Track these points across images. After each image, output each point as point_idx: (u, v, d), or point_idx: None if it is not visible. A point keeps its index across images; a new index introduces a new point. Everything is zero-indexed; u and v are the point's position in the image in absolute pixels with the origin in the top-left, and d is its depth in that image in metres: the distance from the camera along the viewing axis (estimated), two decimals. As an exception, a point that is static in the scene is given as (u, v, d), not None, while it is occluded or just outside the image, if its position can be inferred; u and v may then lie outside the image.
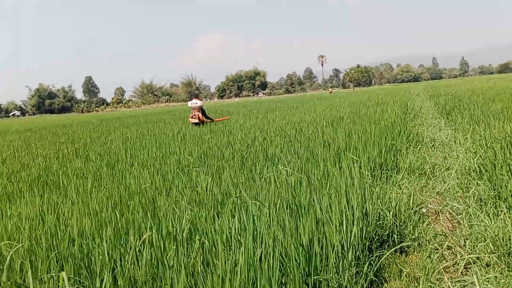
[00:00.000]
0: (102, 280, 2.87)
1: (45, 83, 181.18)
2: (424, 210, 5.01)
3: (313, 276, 2.87)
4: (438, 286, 3.33)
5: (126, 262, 2.89)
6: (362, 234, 3.53)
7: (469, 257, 3.57)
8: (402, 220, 4.30)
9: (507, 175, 5.03)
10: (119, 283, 2.80)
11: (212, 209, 3.87)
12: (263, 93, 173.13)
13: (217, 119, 18.60)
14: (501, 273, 3.40)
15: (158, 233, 3.13)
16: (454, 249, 3.85)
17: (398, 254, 3.96)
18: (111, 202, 4.73)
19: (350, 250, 3.09)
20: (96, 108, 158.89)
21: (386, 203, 4.46)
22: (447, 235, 4.14)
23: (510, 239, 3.67)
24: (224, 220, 3.34)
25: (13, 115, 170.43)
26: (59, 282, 2.86)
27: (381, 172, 6.01)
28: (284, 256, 2.77)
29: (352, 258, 3.14)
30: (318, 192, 4.13)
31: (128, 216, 4.02)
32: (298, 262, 2.76)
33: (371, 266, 3.38)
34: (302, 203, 3.64)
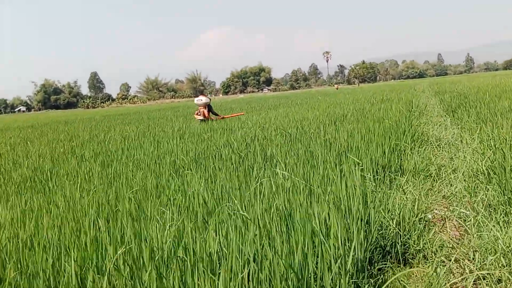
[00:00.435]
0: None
1: (50, 78, 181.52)
2: (429, 216, 4.73)
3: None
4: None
5: None
6: (363, 247, 3.26)
7: (479, 273, 3.28)
8: (406, 229, 4.01)
9: (519, 179, 4.75)
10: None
11: (200, 219, 3.59)
12: (268, 89, 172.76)
13: (228, 116, 18.30)
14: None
15: (135, 249, 2.86)
16: (462, 262, 3.57)
17: (401, 266, 3.68)
18: (94, 209, 4.47)
19: (349, 268, 2.81)
20: (102, 104, 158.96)
21: (389, 210, 4.17)
22: (454, 246, 3.85)
23: (523, 253, 3.39)
24: (210, 233, 3.07)
25: (19, 110, 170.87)
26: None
27: (384, 175, 5.72)
28: (272, 276, 2.50)
29: (350, 276, 2.86)
30: (316, 199, 3.85)
31: (111, 225, 3.76)
32: (288, 284, 2.49)
33: (370, 282, 3.11)
34: (298, 213, 3.36)
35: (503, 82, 26.11)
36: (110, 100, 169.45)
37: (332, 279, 2.70)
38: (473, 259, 3.59)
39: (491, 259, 3.46)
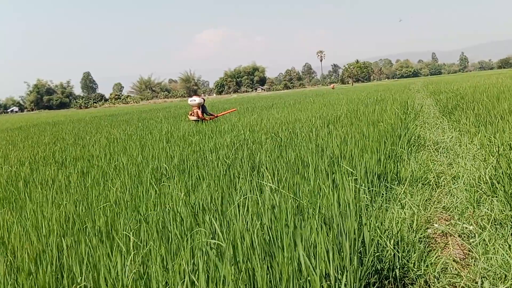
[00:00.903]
0: None
1: (43, 79, 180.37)
2: (429, 231, 4.33)
3: None
4: None
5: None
6: (357, 276, 2.85)
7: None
8: (405, 250, 3.60)
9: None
10: None
11: (174, 243, 3.16)
12: (262, 89, 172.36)
13: (221, 114, 18.07)
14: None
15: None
16: (469, 290, 3.17)
17: (400, 293, 3.28)
18: (58, 226, 4.03)
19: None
20: (94, 104, 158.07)
21: (386, 229, 3.76)
22: (459, 270, 3.44)
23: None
24: (181, 264, 2.64)
25: (12, 111, 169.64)
26: None
27: (380, 185, 5.31)
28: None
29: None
30: (305, 218, 3.44)
31: (72, 249, 3.33)
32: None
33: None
34: (281, 238, 2.94)
35: (500, 81, 25.80)
36: (103, 100, 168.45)
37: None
38: (482, 287, 3.18)
39: (503, 288, 3.06)
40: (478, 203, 4.91)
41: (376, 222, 3.73)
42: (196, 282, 2.58)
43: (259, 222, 3.28)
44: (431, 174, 6.19)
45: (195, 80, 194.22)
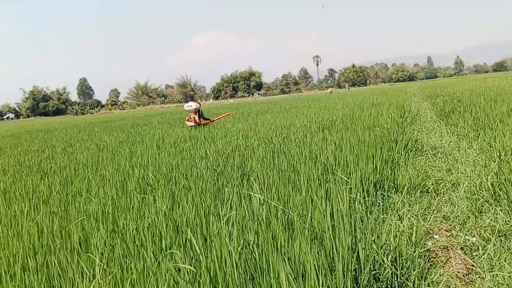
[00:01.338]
0: None
1: (39, 85, 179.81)
2: (429, 243, 4.05)
3: None
4: None
5: None
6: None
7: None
8: (404, 267, 3.32)
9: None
10: None
11: (147, 266, 2.87)
12: (258, 94, 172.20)
13: (216, 118, 17.92)
14: None
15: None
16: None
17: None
18: (28, 244, 3.73)
19: None
20: (91, 110, 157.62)
21: (383, 244, 3.47)
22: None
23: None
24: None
25: (7, 118, 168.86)
26: None
27: (376, 193, 5.02)
28: None
29: None
30: (294, 234, 3.15)
31: (39, 272, 3.03)
32: None
33: None
34: (267, 260, 2.65)
35: (496, 84, 25.59)
36: (100, 106, 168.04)
37: None
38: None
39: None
40: (480, 212, 4.64)
41: (372, 236, 3.45)
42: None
43: (244, 239, 2.99)
44: (429, 180, 5.92)
45: (192, 86, 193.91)
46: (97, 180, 6.77)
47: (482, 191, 5.09)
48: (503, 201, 4.44)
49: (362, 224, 3.74)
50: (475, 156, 6.94)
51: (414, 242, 3.78)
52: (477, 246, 3.86)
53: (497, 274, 3.22)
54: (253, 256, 2.73)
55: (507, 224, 4.06)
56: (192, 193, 4.88)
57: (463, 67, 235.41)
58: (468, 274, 3.43)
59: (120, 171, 7.28)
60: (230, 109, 35.59)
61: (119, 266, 2.87)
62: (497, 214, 4.32)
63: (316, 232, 3.25)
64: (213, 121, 17.18)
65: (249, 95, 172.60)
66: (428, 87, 42.99)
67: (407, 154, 7.37)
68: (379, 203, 4.79)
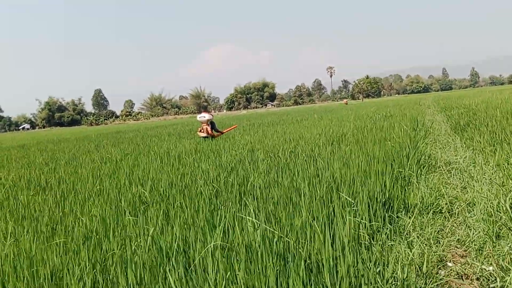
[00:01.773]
0: None
1: (55, 96, 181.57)
2: (442, 272, 3.67)
3: None
4: None
5: None
6: None
7: None
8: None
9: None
10: None
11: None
12: (272, 105, 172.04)
13: (225, 131, 17.75)
14: None
15: None
16: None
17: None
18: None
19: None
20: (105, 121, 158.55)
21: (390, 275, 3.10)
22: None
23: None
24: None
25: (23, 128, 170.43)
26: None
27: (385, 215, 4.65)
28: None
29: None
30: (288, 267, 2.80)
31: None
32: None
33: None
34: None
35: (513, 97, 25.01)
36: (114, 117, 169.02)
37: None
38: None
39: None
40: (498, 236, 4.25)
41: (377, 267, 3.08)
42: None
43: (231, 271, 2.65)
44: (443, 200, 5.54)
45: (205, 97, 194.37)
46: (93, 196, 6.48)
47: (500, 213, 4.70)
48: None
49: (367, 253, 3.38)
50: (492, 173, 6.54)
51: (425, 273, 3.41)
52: (495, 277, 3.48)
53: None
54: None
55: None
56: (186, 214, 4.55)
57: (478, 79, 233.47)
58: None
59: (118, 186, 6.98)
60: (243, 120, 35.37)
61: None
62: (517, 241, 3.93)
63: (314, 264, 2.90)
64: (223, 133, 17.01)
65: (262, 106, 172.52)
66: (443, 98, 42.39)
67: (419, 170, 6.99)
68: (388, 227, 4.42)
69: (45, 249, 3.83)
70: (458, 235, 4.54)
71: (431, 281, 3.29)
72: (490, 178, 6.27)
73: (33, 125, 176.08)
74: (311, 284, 2.51)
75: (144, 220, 4.62)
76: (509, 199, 4.72)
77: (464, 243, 4.37)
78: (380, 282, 2.87)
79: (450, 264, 3.86)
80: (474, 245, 4.21)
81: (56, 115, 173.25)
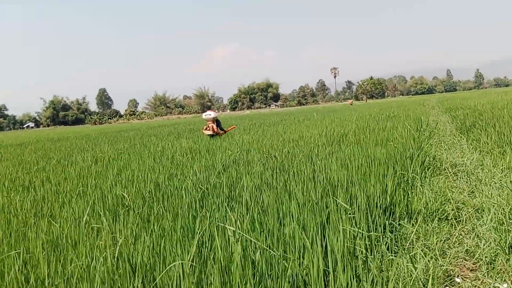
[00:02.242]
0: None
1: (59, 95, 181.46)
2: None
3: None
4: None
5: None
6: None
7: None
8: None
9: None
10: None
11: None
12: (275, 105, 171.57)
13: (228, 130, 17.53)
14: None
15: None
16: None
17: None
18: None
19: None
20: (109, 120, 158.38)
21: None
22: None
23: None
24: None
25: (28, 126, 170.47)
26: None
27: (385, 224, 4.20)
28: None
29: None
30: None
31: None
32: None
33: None
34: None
35: (519, 97, 24.52)
36: (118, 116, 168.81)
37: None
38: None
39: None
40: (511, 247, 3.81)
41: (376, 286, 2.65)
42: None
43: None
44: (449, 205, 5.10)
45: (209, 97, 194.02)
46: (75, 197, 6.07)
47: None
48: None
49: (364, 267, 2.95)
50: (502, 177, 6.09)
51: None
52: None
53: None
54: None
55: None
56: (166, 220, 4.12)
57: (483, 81, 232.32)
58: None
59: (102, 188, 6.57)
60: (245, 120, 34.99)
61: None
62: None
63: (301, 283, 2.47)
64: (225, 132, 16.78)
65: (266, 106, 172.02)
66: (447, 99, 41.88)
67: (423, 172, 6.54)
68: (389, 237, 3.98)
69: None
70: (467, 245, 4.11)
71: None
72: (500, 182, 5.82)
73: (37, 124, 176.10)
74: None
75: (120, 225, 4.20)
76: (523, 206, 4.28)
77: (473, 254, 3.94)
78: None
79: (458, 280, 3.43)
80: (485, 257, 3.77)
81: (61, 114, 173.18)
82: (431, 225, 4.51)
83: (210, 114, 15.76)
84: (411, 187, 5.63)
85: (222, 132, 16.32)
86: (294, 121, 24.49)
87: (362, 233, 3.46)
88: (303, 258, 2.89)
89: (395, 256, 3.57)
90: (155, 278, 2.69)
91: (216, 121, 15.91)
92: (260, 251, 2.89)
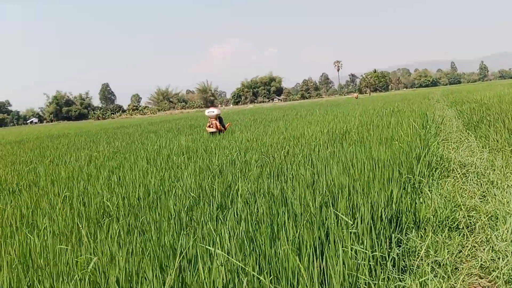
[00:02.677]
0: None
1: (62, 90, 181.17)
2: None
3: None
4: None
5: None
6: None
7: None
8: None
9: None
10: None
11: None
12: (278, 99, 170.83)
13: (226, 127, 17.29)
14: None
15: None
16: None
17: None
18: None
19: None
20: (112, 115, 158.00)
21: None
22: None
23: None
24: None
25: (31, 122, 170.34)
26: None
27: (391, 237, 3.81)
28: None
29: None
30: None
31: None
32: None
33: None
34: None
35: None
36: (121, 111, 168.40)
37: None
38: None
39: None
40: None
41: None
42: None
43: None
44: (460, 211, 4.70)
45: (212, 91, 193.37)
46: (59, 203, 5.70)
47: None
48: None
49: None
50: (517, 179, 5.69)
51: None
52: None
53: None
54: None
55: None
56: (148, 235, 3.74)
57: (487, 73, 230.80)
58: None
59: (89, 194, 6.19)
60: (246, 115, 34.62)
61: None
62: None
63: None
64: (225, 129, 16.50)
65: (269, 100, 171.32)
66: (452, 92, 41.31)
67: (431, 173, 6.14)
68: (396, 252, 3.58)
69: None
70: (481, 259, 3.72)
71: None
72: (514, 185, 5.42)
73: (41, 119, 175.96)
74: None
75: (103, 236, 3.82)
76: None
77: (488, 270, 3.55)
78: None
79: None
80: (503, 275, 3.39)
81: (64, 109, 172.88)
82: (441, 235, 4.12)
83: (213, 111, 15.53)
84: (418, 192, 5.23)
85: (223, 129, 16.10)
86: (296, 116, 24.07)
87: (366, 252, 3.06)
88: (298, 285, 2.51)
89: (403, 276, 3.19)
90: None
91: (219, 118, 15.75)
92: (248, 278, 2.51)
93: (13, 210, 5.60)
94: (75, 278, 2.80)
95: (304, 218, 3.53)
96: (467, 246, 3.98)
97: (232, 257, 2.78)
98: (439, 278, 3.26)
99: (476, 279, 3.45)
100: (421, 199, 4.95)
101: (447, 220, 4.48)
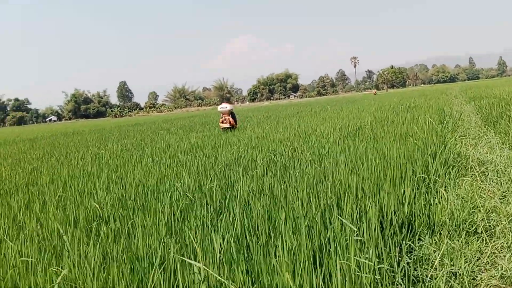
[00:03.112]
0: None
1: (80, 88, 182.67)
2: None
3: None
4: None
5: None
6: None
7: None
8: None
9: None
10: None
11: None
12: (294, 96, 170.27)
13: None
14: None
15: None
16: None
17: None
18: None
19: None
20: (129, 113, 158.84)
21: None
22: None
23: None
24: None
25: (50, 120, 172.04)
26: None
27: (402, 242, 3.46)
28: None
29: None
30: None
31: None
32: None
33: None
34: None
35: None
36: (138, 109, 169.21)
37: None
38: None
39: None
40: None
41: None
42: None
43: None
44: (479, 214, 4.32)
45: (228, 88, 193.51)
46: (54, 203, 5.45)
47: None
48: None
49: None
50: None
51: None
52: None
53: None
54: None
55: None
56: (137, 239, 3.44)
57: (506, 68, 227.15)
58: None
59: (89, 192, 5.94)
60: (261, 112, 34.36)
61: None
62: None
63: None
64: (237, 125, 16.35)
65: (285, 97, 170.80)
66: (470, 88, 40.55)
67: (447, 171, 5.75)
68: (406, 261, 3.23)
69: None
70: (501, 268, 3.36)
71: None
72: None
73: (59, 117, 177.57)
74: None
75: (90, 241, 3.54)
76: None
77: (510, 280, 3.19)
78: None
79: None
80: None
81: (82, 107, 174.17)
82: (458, 241, 3.75)
83: (226, 106, 15.46)
84: (434, 192, 4.86)
85: (236, 125, 15.95)
86: (310, 113, 23.70)
87: (372, 264, 2.71)
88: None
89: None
90: None
91: (231, 113, 15.59)
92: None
93: (5, 212, 5.35)
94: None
95: (304, 223, 3.19)
96: (486, 253, 3.61)
97: (219, 270, 2.46)
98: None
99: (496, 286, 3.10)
100: (436, 199, 4.57)
101: (464, 223, 4.11)
